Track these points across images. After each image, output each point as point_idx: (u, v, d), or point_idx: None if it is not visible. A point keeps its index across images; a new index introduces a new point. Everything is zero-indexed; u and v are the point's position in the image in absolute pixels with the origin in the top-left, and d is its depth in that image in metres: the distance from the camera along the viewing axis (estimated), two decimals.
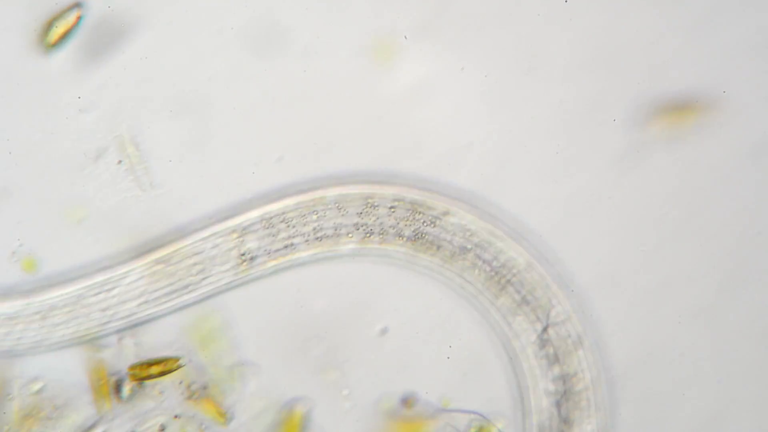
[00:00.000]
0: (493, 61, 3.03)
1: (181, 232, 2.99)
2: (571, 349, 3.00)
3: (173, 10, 3.01)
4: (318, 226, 3.00)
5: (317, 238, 3.01)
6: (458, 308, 3.01)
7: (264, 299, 3.03)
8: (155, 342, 3.01)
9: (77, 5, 2.96)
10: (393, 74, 3.02)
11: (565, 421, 3.00)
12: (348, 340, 3.04)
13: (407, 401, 3.04)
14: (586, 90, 3.03)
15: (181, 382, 3.01)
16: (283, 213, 3.01)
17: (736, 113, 3.04)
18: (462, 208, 3.01)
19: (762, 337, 3.05)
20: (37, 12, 2.96)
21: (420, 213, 3.00)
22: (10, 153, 2.98)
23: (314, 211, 3.00)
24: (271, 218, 3.01)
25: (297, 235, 3.00)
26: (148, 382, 3.01)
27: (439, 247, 3.00)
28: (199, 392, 3.01)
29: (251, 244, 3.00)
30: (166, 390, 3.02)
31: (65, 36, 2.96)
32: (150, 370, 3.01)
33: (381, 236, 3.00)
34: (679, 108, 3.03)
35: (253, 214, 3.01)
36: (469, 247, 2.99)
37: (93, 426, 3.00)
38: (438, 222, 3.01)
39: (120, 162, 3.00)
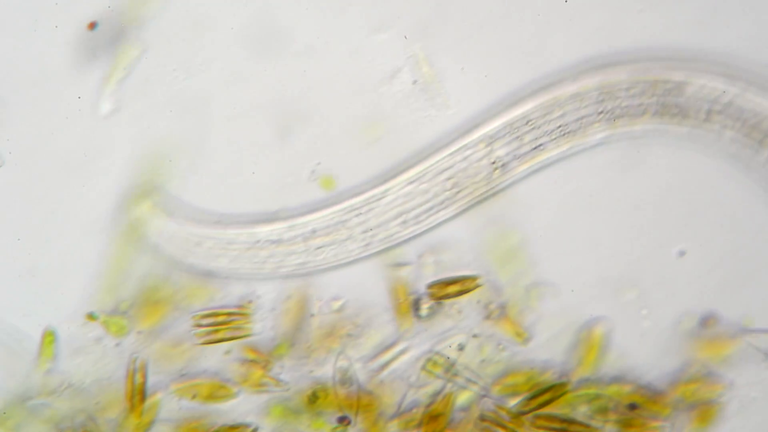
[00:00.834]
0: None
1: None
2: None
3: None
4: (562, 122, 2.96)
5: (563, 134, 2.97)
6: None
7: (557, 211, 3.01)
8: (453, 260, 3.01)
9: None
10: None
11: None
12: (644, 258, 3.01)
13: (707, 321, 2.99)
14: None
15: (478, 302, 3.01)
16: (526, 116, 2.98)
17: None
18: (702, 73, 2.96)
19: None
20: None
21: (659, 85, 2.94)
22: (303, 73, 2.97)
23: (555, 108, 2.96)
24: (514, 123, 2.98)
25: (542, 135, 2.97)
26: (446, 301, 3.01)
27: (685, 117, 2.94)
28: (497, 312, 3.01)
29: (499, 151, 2.97)
30: (464, 309, 3.01)
31: None
32: (448, 289, 3.01)
33: (626, 117, 2.95)
34: None
35: (497, 122, 2.98)
36: (717, 109, 2.93)
37: (393, 344, 3.01)
38: (678, 91, 2.94)
39: (415, 82, 2.98)
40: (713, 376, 2.99)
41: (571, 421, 2.98)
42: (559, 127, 2.97)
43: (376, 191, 2.99)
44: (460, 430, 2.99)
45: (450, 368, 2.99)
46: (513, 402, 2.99)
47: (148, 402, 2.96)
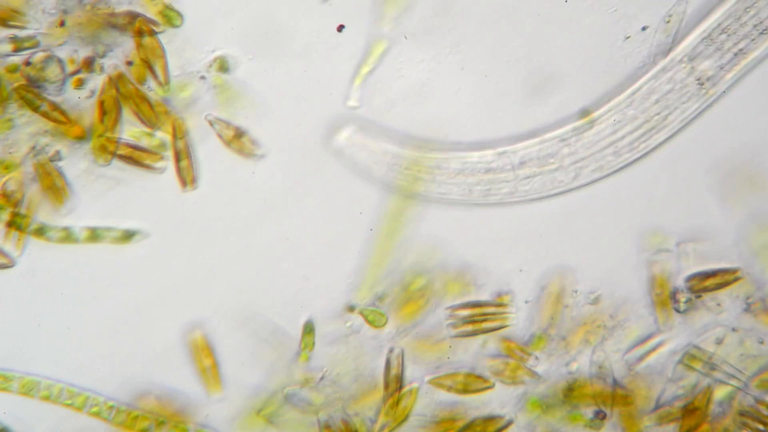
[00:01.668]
0: None
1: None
2: None
3: None
4: (757, 21, 2.86)
5: (761, 33, 2.86)
6: None
7: None
8: (713, 251, 2.93)
9: None
10: None
11: None
12: None
13: None
14: None
15: (737, 296, 2.94)
16: (719, 25, 2.87)
17: None
18: None
19: None
20: None
21: None
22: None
23: (746, 10, 2.86)
24: (710, 35, 2.88)
25: (741, 39, 2.87)
26: (705, 294, 2.94)
27: None
28: (758, 305, 2.93)
29: (702, 65, 2.88)
30: (724, 302, 2.95)
31: None
32: (707, 282, 2.94)
33: None
34: None
35: (690, 38, 2.89)
36: None
37: (650, 337, 2.96)
38: None
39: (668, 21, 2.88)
40: None
41: None
42: (756, 26, 2.87)
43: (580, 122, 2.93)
44: (718, 425, 2.94)
45: (709, 362, 2.93)
46: None
47: (405, 393, 2.94)
